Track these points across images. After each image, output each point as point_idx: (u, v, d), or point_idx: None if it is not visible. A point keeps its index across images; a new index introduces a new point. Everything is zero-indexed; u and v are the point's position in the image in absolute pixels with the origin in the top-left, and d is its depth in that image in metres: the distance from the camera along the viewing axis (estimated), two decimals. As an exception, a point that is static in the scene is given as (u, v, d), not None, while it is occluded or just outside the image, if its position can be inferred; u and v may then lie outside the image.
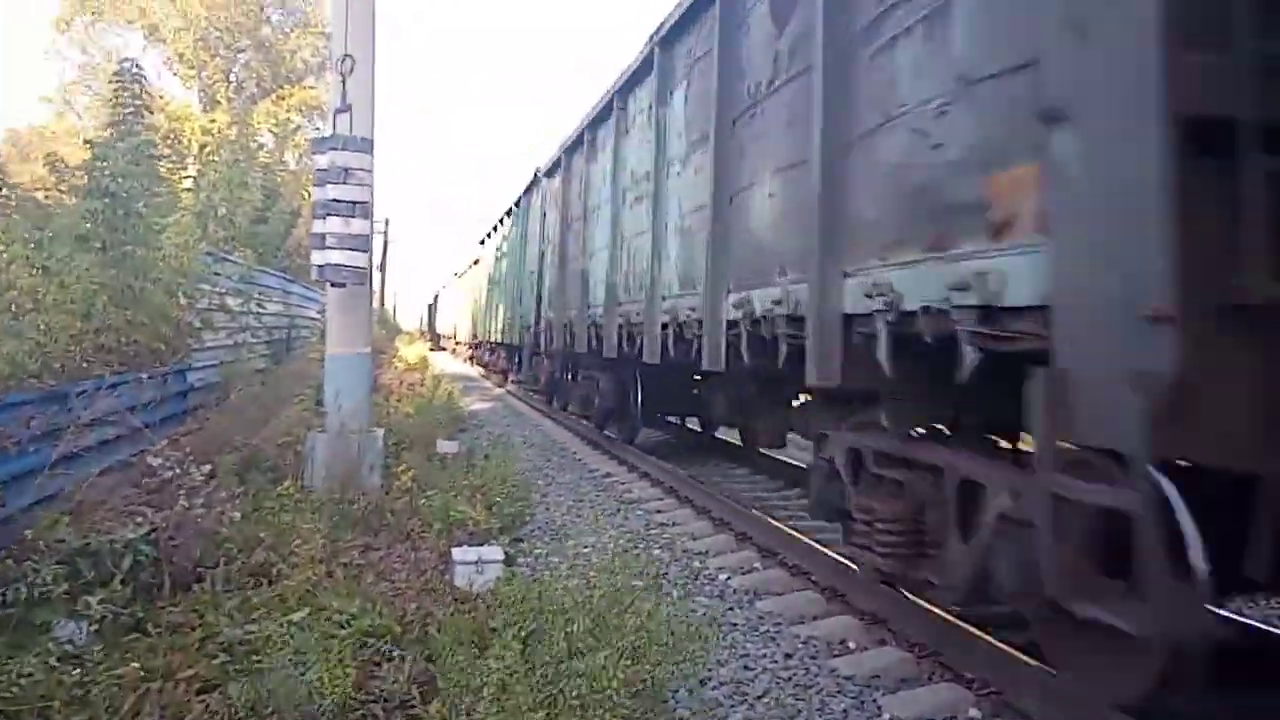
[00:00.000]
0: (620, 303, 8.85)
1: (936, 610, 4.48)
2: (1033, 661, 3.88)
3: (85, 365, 6.73)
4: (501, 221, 19.47)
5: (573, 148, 11.83)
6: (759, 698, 3.93)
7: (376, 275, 25.05)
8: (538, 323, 14.09)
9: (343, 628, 3.67)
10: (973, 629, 4.25)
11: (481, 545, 5.21)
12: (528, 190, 15.72)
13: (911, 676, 4.18)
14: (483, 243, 23.83)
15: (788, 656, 4.40)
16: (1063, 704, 3.56)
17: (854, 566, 4.99)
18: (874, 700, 3.91)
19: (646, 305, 7.58)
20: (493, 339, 21.15)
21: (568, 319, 11.44)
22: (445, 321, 42.88)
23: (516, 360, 18.20)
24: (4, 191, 7.87)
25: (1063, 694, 3.58)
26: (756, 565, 5.98)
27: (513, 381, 19.80)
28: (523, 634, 3.53)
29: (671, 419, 12.03)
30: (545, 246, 13.60)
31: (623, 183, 9.02)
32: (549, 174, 13.69)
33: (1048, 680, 3.70)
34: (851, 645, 4.58)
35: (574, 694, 3.07)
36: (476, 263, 24.44)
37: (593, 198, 10.53)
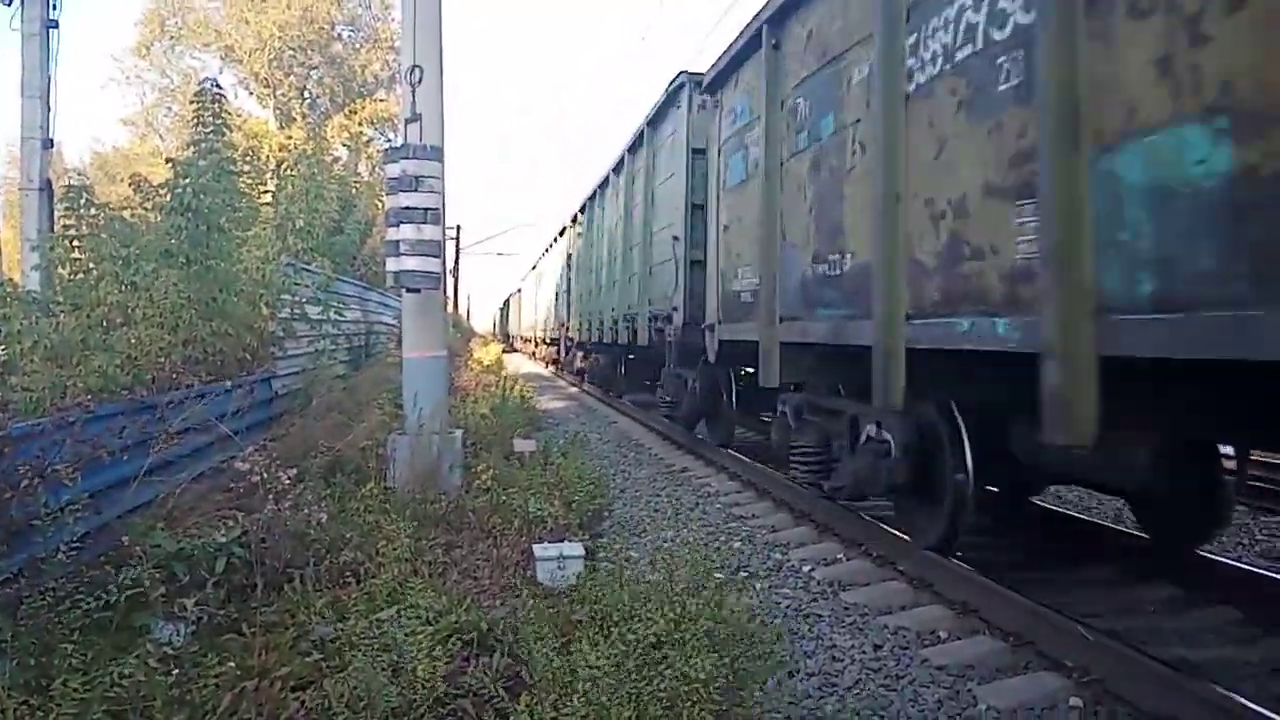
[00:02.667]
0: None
1: (1028, 600, 4.36)
2: (1136, 651, 3.74)
3: (175, 376, 6.92)
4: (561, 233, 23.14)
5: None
6: (849, 689, 3.85)
7: (449, 280, 25.57)
8: (568, 322, 20.66)
9: (430, 624, 3.70)
10: (1067, 617, 4.12)
11: (562, 541, 5.21)
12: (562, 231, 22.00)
13: (1007, 666, 4.05)
14: (532, 265, 27.36)
15: (877, 647, 4.30)
16: (1165, 687, 3.43)
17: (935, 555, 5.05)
18: (969, 690, 3.80)
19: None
20: (547, 337, 27.44)
21: (585, 322, 17.37)
22: (515, 324, 43.45)
23: (561, 351, 24.23)
24: (92, 211, 8.13)
25: (1166, 679, 3.45)
26: (840, 556, 5.88)
27: (559, 367, 25.55)
28: (607, 629, 3.51)
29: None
30: (570, 266, 20.00)
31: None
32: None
33: (1152, 666, 3.56)
34: (943, 635, 4.47)
35: (662, 687, 3.04)
36: (542, 259, 25.18)
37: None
